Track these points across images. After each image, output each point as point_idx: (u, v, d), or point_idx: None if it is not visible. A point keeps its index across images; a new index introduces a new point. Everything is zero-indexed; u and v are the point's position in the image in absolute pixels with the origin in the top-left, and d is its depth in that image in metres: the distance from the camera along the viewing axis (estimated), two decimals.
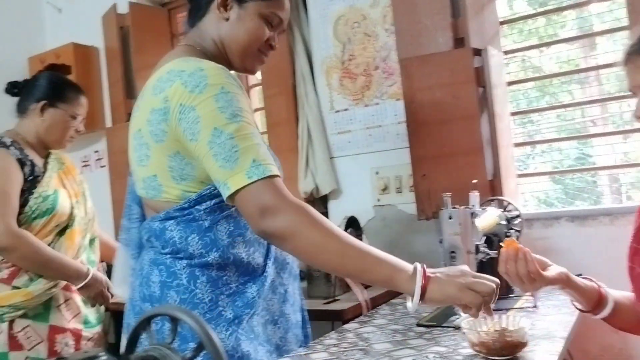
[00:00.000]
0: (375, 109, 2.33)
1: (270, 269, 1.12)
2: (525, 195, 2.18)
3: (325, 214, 2.46)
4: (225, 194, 0.95)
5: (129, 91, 2.84)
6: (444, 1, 2.01)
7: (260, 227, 0.94)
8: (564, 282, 1.12)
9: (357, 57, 2.35)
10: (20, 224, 1.64)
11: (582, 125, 2.19)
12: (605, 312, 1.14)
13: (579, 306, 1.18)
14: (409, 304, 0.95)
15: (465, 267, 1.01)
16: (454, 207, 1.39)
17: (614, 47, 2.10)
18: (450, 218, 1.38)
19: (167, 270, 1.05)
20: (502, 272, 1.10)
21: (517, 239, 1.73)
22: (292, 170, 2.43)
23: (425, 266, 0.96)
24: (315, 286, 1.97)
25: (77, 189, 1.84)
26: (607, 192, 2.14)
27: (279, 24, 1.14)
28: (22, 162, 1.68)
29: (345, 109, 2.40)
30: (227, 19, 1.11)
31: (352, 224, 2.03)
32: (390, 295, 1.90)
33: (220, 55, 1.12)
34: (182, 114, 0.97)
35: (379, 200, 2.34)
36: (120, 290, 1.25)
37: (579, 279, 1.14)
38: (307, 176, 2.39)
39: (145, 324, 0.57)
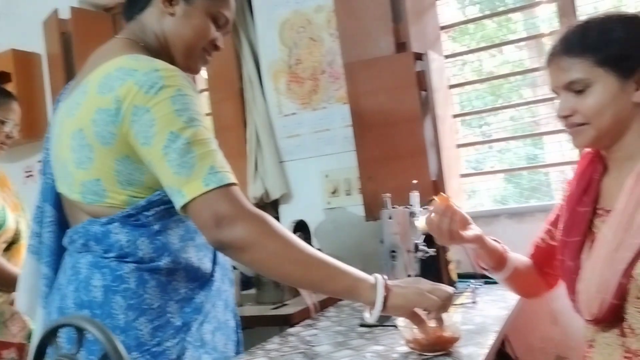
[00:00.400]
0: (323, 112, 2.35)
1: (217, 274, 1.11)
2: (481, 193, 2.24)
3: (276, 218, 2.43)
4: (179, 202, 0.91)
5: None
6: (385, 6, 2.05)
7: (216, 237, 0.91)
8: (478, 243, 1.17)
9: (304, 61, 2.36)
10: None
11: (531, 125, 2.27)
12: (506, 273, 1.20)
13: (484, 265, 1.23)
14: (368, 314, 0.96)
15: (421, 279, 1.05)
16: (394, 207, 1.42)
17: None
18: (390, 218, 1.41)
19: (112, 273, 0.99)
20: (427, 222, 1.15)
21: None
22: (241, 175, 2.42)
23: (385, 277, 0.98)
24: (264, 292, 1.97)
25: (15, 201, 1.78)
26: (558, 190, 2.21)
27: (225, 23, 1.12)
28: None
29: (294, 113, 2.41)
30: (173, 14, 1.07)
31: (301, 228, 2.03)
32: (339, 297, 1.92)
33: (163, 52, 1.08)
34: (135, 115, 0.92)
35: (329, 203, 2.35)
36: (22, 302, 1.18)
37: (490, 240, 1.20)
38: (257, 181, 2.39)
39: (51, 335, 0.56)
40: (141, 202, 0.99)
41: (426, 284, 1.01)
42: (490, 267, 1.21)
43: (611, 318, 0.98)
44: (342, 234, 2.31)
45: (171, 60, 1.06)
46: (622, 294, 0.95)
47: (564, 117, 1.05)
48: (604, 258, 0.98)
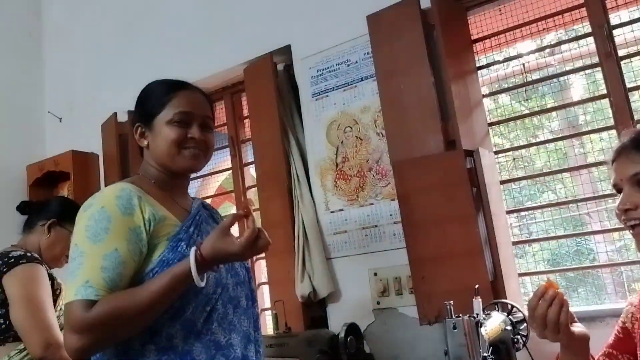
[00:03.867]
0: (370, 209, 2.34)
1: None
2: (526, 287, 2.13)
3: (324, 318, 2.38)
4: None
5: None
6: (433, 107, 2.08)
7: (68, 346, 1.05)
8: (581, 344, 1.06)
9: (351, 159, 2.39)
10: None
11: (578, 215, 2.19)
12: None
13: None
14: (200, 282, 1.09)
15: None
16: (458, 317, 1.34)
17: (601, 142, 2.16)
18: (454, 328, 1.32)
19: None
20: (531, 308, 1.03)
21: (523, 345, 1.67)
22: (290, 272, 2.38)
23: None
24: None
25: None
26: (609, 283, 2.10)
27: (192, 119, 1.25)
28: (51, 277, 1.80)
29: (341, 209, 2.40)
30: (148, 144, 1.27)
31: (353, 332, 1.95)
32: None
33: (161, 172, 1.27)
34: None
35: (378, 303, 2.26)
36: None
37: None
38: (305, 279, 2.33)
39: None
40: None
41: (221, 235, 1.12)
42: None
43: None
44: (394, 336, 2.19)
45: (169, 172, 1.27)
46: None
47: (624, 211, 1.01)
48: None
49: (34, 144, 3.32)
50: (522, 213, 2.28)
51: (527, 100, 2.29)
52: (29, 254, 1.77)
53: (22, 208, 2.00)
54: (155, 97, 1.29)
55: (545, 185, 2.25)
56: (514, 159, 2.24)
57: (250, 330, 1.24)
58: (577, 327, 1.07)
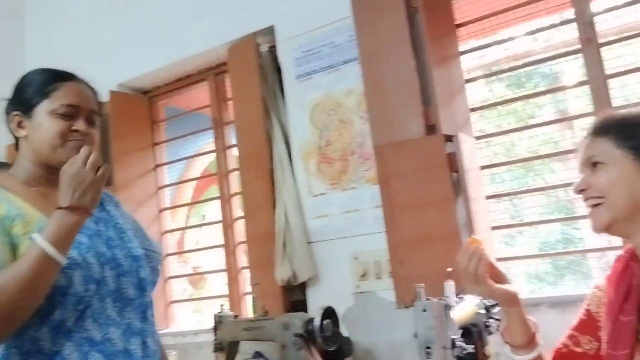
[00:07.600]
0: (352, 193, 2.33)
1: None
2: (517, 277, 2.14)
3: (304, 302, 2.39)
4: None
5: (108, 178, 2.83)
6: (414, 91, 2.07)
7: None
8: (509, 301, 1.12)
9: (334, 142, 2.37)
10: None
11: (567, 203, 2.20)
12: (530, 356, 1.12)
13: (508, 338, 1.14)
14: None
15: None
16: (428, 299, 1.34)
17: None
18: (424, 311, 1.33)
19: None
20: (457, 263, 1.13)
21: (497, 328, 1.68)
22: (270, 255, 2.38)
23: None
24: None
25: None
26: (596, 269, 2.12)
27: (78, 112, 1.21)
28: None
29: (323, 193, 2.40)
30: (27, 135, 1.21)
31: (330, 316, 1.94)
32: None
33: (37, 166, 1.22)
34: None
35: (358, 287, 2.27)
36: None
37: (525, 310, 1.13)
38: (285, 262, 2.33)
39: None
40: None
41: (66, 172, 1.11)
42: (517, 343, 1.14)
43: None
44: (372, 320, 2.20)
45: (49, 167, 1.21)
46: None
47: (580, 192, 1.05)
48: None
49: None
50: (514, 201, 2.28)
51: (514, 86, 2.28)
52: None
53: None
54: (37, 85, 1.23)
55: (534, 173, 2.25)
56: (494, 145, 2.24)
57: (135, 322, 1.18)
58: (506, 286, 1.12)
